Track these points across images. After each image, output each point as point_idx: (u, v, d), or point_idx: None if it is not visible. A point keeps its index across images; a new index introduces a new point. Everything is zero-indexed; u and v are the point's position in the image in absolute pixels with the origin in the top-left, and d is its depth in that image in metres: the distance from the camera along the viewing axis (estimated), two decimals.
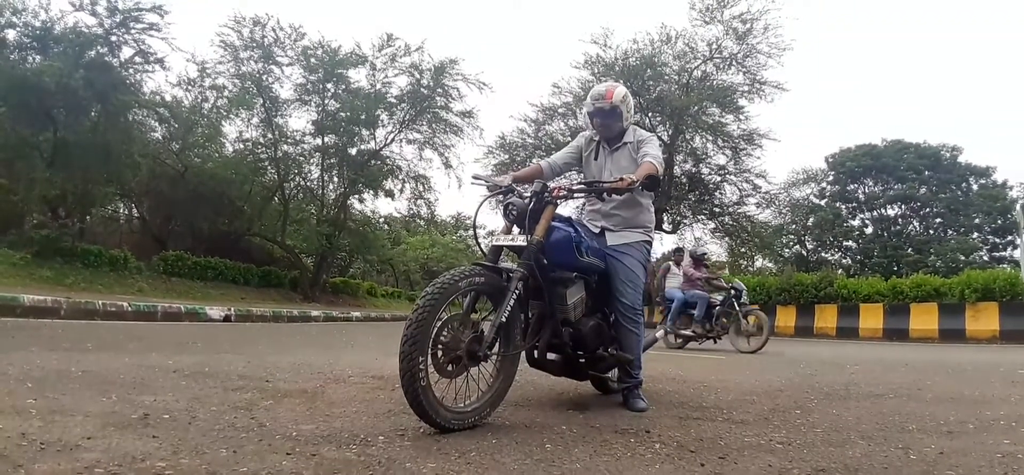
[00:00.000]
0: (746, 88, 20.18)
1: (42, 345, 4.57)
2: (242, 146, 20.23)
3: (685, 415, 2.95)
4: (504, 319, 2.49)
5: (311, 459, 1.88)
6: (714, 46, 19.90)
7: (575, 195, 3.02)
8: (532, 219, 2.73)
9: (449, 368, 2.40)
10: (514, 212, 2.83)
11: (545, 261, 2.74)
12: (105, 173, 14.30)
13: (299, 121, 26.26)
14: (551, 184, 2.90)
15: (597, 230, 3.24)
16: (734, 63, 19.99)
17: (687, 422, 2.77)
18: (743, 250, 25.76)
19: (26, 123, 13.05)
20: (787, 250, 32.95)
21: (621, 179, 2.82)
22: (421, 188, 21.91)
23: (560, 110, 22.06)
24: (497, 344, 2.55)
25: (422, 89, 19.29)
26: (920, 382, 4.48)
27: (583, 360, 3.08)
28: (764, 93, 20.06)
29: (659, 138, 21.16)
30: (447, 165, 21.08)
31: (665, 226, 22.87)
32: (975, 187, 32.82)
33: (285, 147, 19.77)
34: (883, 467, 2.03)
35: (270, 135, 19.46)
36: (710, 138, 20.70)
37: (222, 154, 20.26)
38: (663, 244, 32.74)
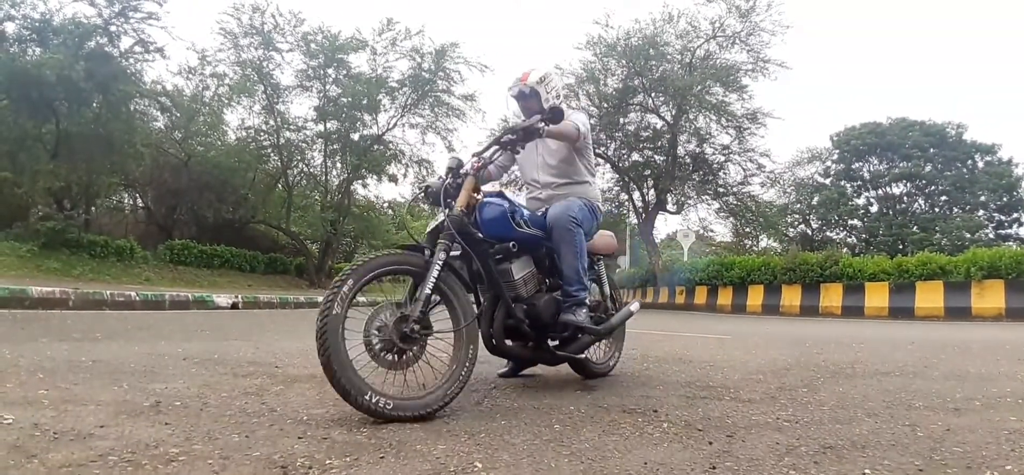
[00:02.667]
0: (750, 67, 20.05)
1: (52, 336, 4.61)
2: (244, 134, 20.25)
3: (692, 394, 2.97)
4: (429, 291, 2.34)
5: (323, 442, 1.90)
6: (717, 24, 19.75)
7: (493, 159, 2.91)
8: (452, 196, 2.65)
9: (390, 357, 2.31)
10: (431, 195, 2.78)
11: (481, 236, 2.66)
12: (108, 164, 14.34)
13: (301, 107, 26.20)
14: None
15: (540, 213, 3.09)
16: (737, 41, 19.84)
17: (694, 401, 2.78)
18: (748, 230, 25.74)
19: (28, 115, 13.07)
20: (792, 229, 32.85)
21: (525, 121, 2.77)
22: (424, 172, 21.88)
23: (562, 92, 21.90)
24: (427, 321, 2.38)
25: (423, 73, 19.21)
26: (926, 360, 4.48)
27: (554, 342, 3.00)
28: (768, 71, 19.94)
29: (665, 123, 21.09)
30: (450, 149, 21.04)
31: (669, 207, 22.84)
32: (981, 165, 32.55)
33: (287, 134, 19.77)
34: (890, 444, 2.04)
35: (272, 122, 19.45)
36: (713, 117, 20.59)
37: (225, 142, 20.29)
38: (667, 224, 32.75)
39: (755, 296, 15.99)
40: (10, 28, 13.44)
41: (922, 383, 3.39)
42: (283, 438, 1.93)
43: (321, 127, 19.75)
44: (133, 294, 9.04)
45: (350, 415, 2.28)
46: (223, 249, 16.94)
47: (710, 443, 2.03)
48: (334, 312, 2.15)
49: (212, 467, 1.62)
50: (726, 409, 2.60)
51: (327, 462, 1.69)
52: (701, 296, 17.96)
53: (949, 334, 7.45)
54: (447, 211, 2.57)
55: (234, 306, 10.58)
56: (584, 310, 2.91)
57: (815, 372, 3.82)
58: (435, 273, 2.37)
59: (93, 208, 16.59)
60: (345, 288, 2.19)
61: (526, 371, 3.50)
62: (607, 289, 3.45)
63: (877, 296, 13.39)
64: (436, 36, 30.40)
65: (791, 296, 15.09)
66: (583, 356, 3.20)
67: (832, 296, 14.19)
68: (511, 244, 2.77)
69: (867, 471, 1.74)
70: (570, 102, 3.35)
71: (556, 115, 2.72)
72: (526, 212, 2.92)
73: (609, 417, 2.40)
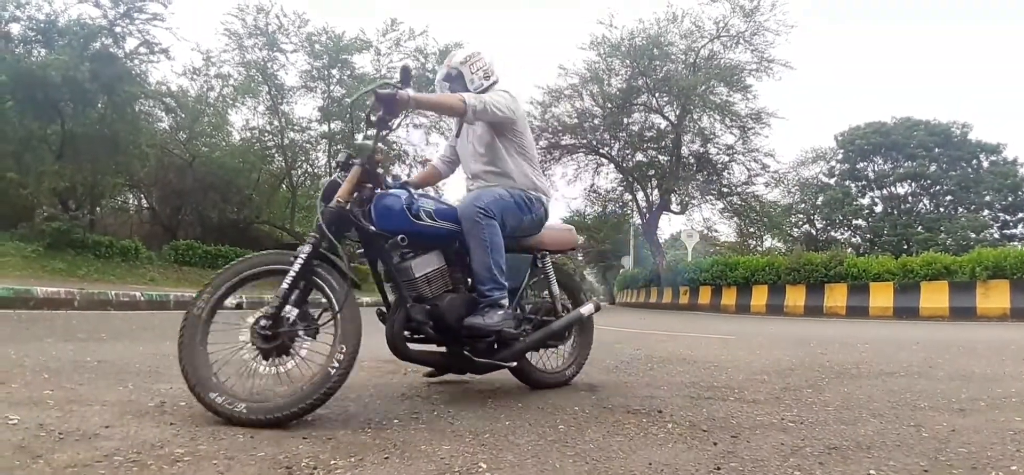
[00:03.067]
0: (754, 66, 20.07)
1: (57, 336, 4.62)
2: (249, 134, 20.32)
3: (697, 395, 2.96)
4: (285, 288, 2.25)
5: (327, 443, 1.90)
6: (721, 24, 19.76)
7: (378, 142, 2.58)
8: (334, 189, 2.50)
9: (272, 359, 2.26)
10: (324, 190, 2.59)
11: (373, 230, 2.51)
12: (113, 164, 14.40)
13: (305, 108, 26.33)
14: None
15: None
16: (741, 41, 19.86)
17: (699, 402, 2.78)
18: (752, 230, 25.69)
19: (33, 116, 13.13)
20: (796, 230, 32.79)
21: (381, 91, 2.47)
22: None
23: (566, 92, 21.98)
24: (290, 323, 2.27)
25: (427, 73, 19.25)
26: (931, 360, 4.46)
27: (467, 347, 2.67)
28: (772, 71, 19.96)
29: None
30: None
31: (673, 207, 22.81)
32: (986, 164, 32.45)
33: (292, 134, 19.85)
34: (895, 444, 2.03)
35: (276, 122, 19.52)
36: (718, 117, 20.61)
37: (229, 143, 20.36)
38: (671, 224, 32.73)
39: (759, 296, 15.96)
40: (15, 29, 13.53)
41: (927, 383, 3.38)
42: (288, 438, 1.94)
43: (325, 128, 19.82)
44: (138, 294, 9.07)
45: (355, 416, 2.28)
46: (227, 249, 16.99)
47: (715, 444, 2.03)
48: (194, 314, 2.22)
49: (217, 467, 1.62)
50: (731, 410, 2.60)
51: (332, 462, 1.70)
52: (705, 296, 17.93)
53: (954, 334, 7.42)
54: (323, 205, 2.47)
55: (238, 306, 10.60)
56: (498, 313, 2.61)
57: (820, 372, 3.81)
58: (295, 270, 2.27)
59: (98, 209, 16.66)
60: (208, 292, 2.25)
61: (462, 376, 3.19)
62: (555, 289, 3.07)
63: (882, 296, 13.35)
64: (440, 36, 30.46)
65: (795, 296, 15.06)
66: (515, 364, 2.91)
67: (836, 296, 14.16)
68: (400, 237, 2.52)
69: (872, 472, 1.73)
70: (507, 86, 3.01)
71: (405, 77, 2.47)
72: (431, 204, 2.64)
73: (613, 418, 2.40)
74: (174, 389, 2.69)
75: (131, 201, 20.69)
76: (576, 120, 22.23)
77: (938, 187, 32.58)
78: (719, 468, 1.75)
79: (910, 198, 33.66)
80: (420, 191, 2.77)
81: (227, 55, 18.46)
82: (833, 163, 34.96)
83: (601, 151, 23.32)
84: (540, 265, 3.05)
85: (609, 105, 21.02)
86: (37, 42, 13.63)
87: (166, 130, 18.56)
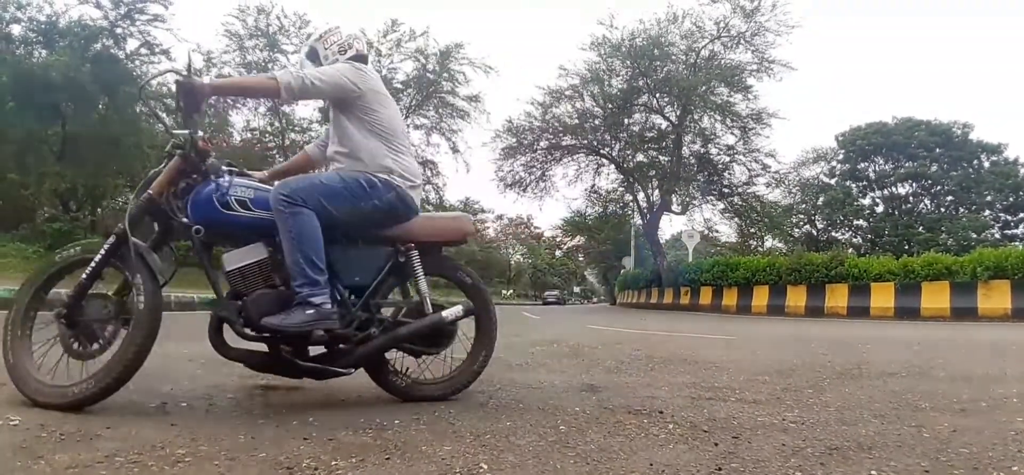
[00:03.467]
0: (754, 67, 20.09)
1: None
2: (250, 135, 20.37)
3: (697, 395, 2.96)
4: (84, 279, 2.31)
5: (328, 444, 1.90)
6: (721, 25, 19.78)
7: (198, 132, 2.48)
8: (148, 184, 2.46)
9: (81, 348, 2.32)
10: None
11: (185, 222, 2.43)
12: (114, 165, 14.42)
13: (305, 109, 26.37)
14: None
15: None
16: (742, 42, 19.87)
17: (700, 402, 2.78)
18: (753, 230, 25.71)
19: (34, 117, 13.16)
20: (797, 230, 32.82)
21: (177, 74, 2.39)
22: (429, 173, 21.94)
23: (567, 92, 21.99)
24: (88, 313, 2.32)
25: (428, 74, 19.30)
26: (932, 361, 4.46)
27: (289, 349, 2.45)
28: (772, 72, 19.95)
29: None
30: (454, 150, 21.13)
31: (674, 207, 22.81)
32: (987, 165, 32.46)
33: (292, 135, 19.90)
34: (896, 445, 2.03)
35: (277, 123, 19.55)
36: (718, 118, 20.61)
37: (230, 144, 20.39)
38: (672, 225, 32.75)
39: (760, 297, 15.95)
40: (16, 30, 13.57)
41: (928, 384, 3.37)
42: (289, 439, 1.94)
43: (326, 128, 19.85)
44: None
45: (356, 417, 2.28)
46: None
47: (716, 444, 2.02)
48: (12, 311, 2.38)
49: (218, 468, 1.62)
50: (732, 410, 2.60)
51: (333, 464, 1.70)
52: (706, 297, 17.93)
53: (955, 335, 7.42)
54: (134, 197, 2.45)
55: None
56: (306, 312, 2.34)
57: (821, 373, 3.81)
58: (95, 262, 2.34)
59: (99, 209, 16.67)
60: (25, 288, 2.41)
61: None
62: (423, 287, 2.67)
63: (883, 297, 13.35)
64: (441, 37, 30.49)
65: (796, 297, 15.06)
66: (352, 371, 2.57)
67: (837, 297, 14.15)
68: (196, 228, 2.40)
69: (873, 472, 1.73)
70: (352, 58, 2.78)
71: (189, 66, 2.42)
72: (248, 192, 2.46)
73: (614, 418, 2.40)
74: (175, 390, 2.69)
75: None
76: (577, 121, 22.25)
77: (939, 187, 32.59)
78: (720, 469, 1.75)
79: (911, 198, 33.67)
80: (245, 180, 2.57)
81: (228, 56, 18.54)
82: (834, 163, 34.99)
83: (602, 151, 23.34)
84: (402, 260, 2.65)
85: (610, 105, 21.02)
86: (38, 43, 13.68)
87: (167, 131, 18.60)
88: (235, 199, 2.42)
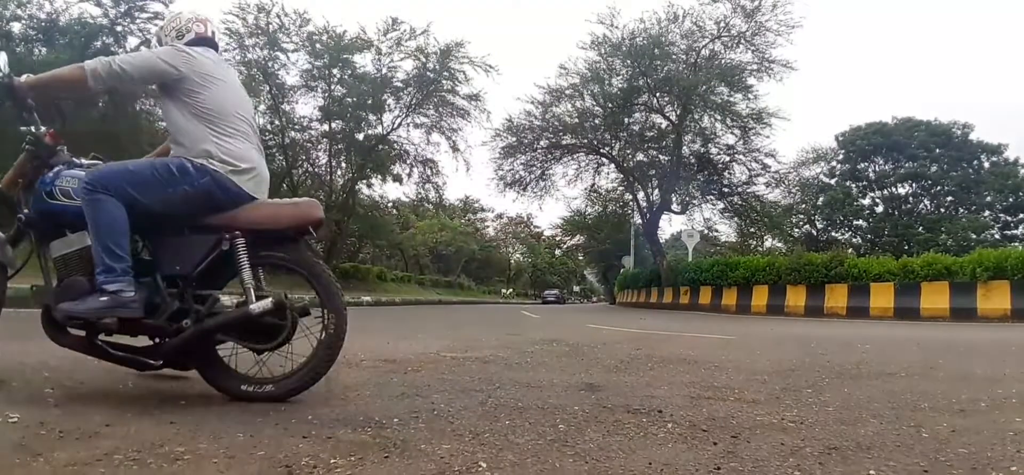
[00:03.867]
0: (755, 67, 20.08)
1: None
2: None
3: (697, 395, 2.96)
4: None
5: (327, 442, 1.90)
6: (722, 24, 19.77)
7: (41, 127, 2.57)
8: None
9: None
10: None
11: (26, 214, 2.51)
12: None
13: (306, 107, 26.38)
14: None
15: None
16: (742, 41, 19.86)
17: (699, 402, 2.78)
18: (752, 230, 25.70)
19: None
20: (797, 230, 32.80)
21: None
22: (429, 172, 21.96)
23: (567, 91, 21.99)
24: None
25: (428, 73, 19.26)
26: (931, 361, 4.46)
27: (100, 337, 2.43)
28: (773, 72, 19.93)
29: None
30: (455, 149, 21.11)
31: (674, 207, 22.82)
32: (986, 165, 32.47)
33: (292, 133, 19.87)
34: (895, 445, 2.03)
35: (277, 122, 19.52)
36: (718, 118, 20.61)
37: None
38: (672, 224, 32.76)
39: (760, 297, 15.96)
40: (16, 28, 13.54)
41: (927, 384, 3.37)
42: (288, 437, 1.93)
43: (326, 127, 19.85)
44: None
45: (355, 415, 2.28)
46: None
47: (715, 444, 2.02)
48: None
49: (217, 466, 1.62)
50: (731, 410, 2.60)
51: (332, 462, 1.70)
52: (705, 296, 17.94)
53: (954, 335, 7.42)
54: None
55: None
56: (99, 300, 2.29)
57: (820, 373, 3.81)
58: None
59: None
60: None
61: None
62: (246, 277, 2.49)
63: (882, 297, 13.35)
64: (441, 35, 30.47)
65: (796, 297, 15.06)
66: (157, 364, 2.50)
67: (837, 297, 14.16)
68: (19, 217, 2.50)
69: (872, 472, 1.73)
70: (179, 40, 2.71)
71: (5, 64, 2.53)
72: (74, 182, 2.43)
73: (613, 418, 2.40)
74: (174, 388, 2.69)
75: None
76: (577, 120, 22.24)
77: (939, 188, 32.60)
78: (719, 468, 1.75)
79: (911, 198, 33.69)
80: (78, 170, 2.51)
81: (228, 54, 18.46)
82: (834, 163, 34.99)
83: (602, 151, 23.34)
84: (226, 249, 2.49)
85: (610, 105, 21.01)
86: (38, 41, 13.67)
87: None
88: (59, 189, 2.44)
